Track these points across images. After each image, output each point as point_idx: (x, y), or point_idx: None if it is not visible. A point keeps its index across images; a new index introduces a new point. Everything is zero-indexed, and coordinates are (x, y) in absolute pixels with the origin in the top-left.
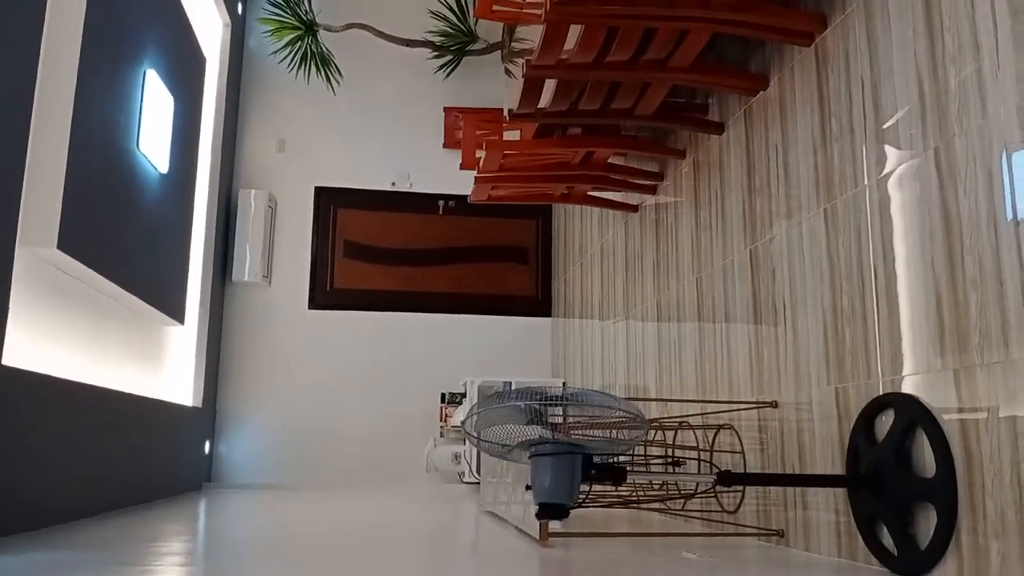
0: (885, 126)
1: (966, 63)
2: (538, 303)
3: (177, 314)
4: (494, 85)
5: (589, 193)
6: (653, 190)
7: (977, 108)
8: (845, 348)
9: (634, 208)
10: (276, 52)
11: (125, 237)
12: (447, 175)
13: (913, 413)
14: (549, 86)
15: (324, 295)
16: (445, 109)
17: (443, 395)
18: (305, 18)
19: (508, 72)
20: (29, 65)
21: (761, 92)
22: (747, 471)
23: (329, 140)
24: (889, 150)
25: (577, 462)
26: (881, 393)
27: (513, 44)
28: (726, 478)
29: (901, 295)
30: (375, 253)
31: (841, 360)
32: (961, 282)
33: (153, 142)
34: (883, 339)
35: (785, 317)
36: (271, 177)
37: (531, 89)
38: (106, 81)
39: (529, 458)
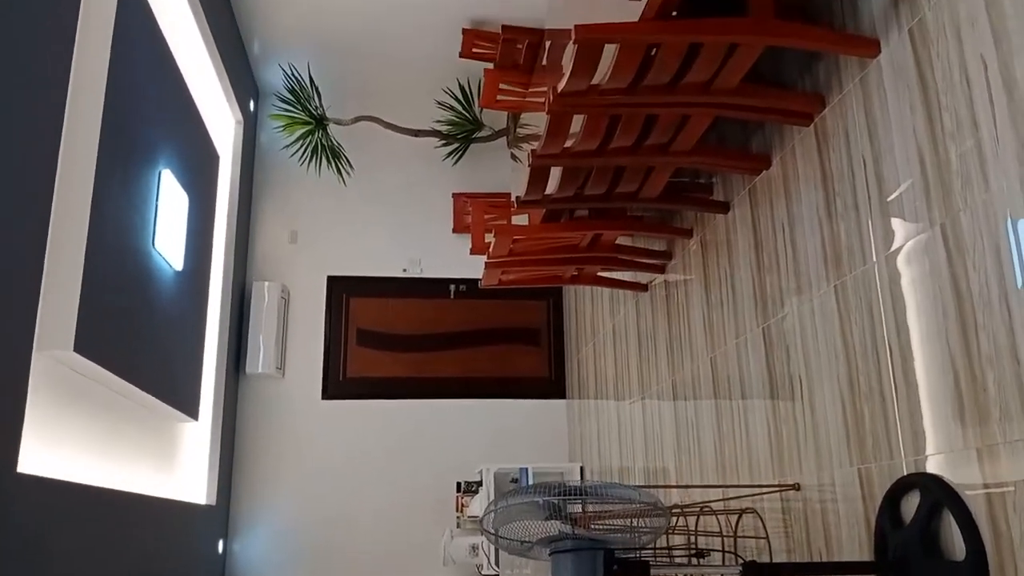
0: (889, 200)
1: (965, 139)
2: (552, 384)
3: (191, 410)
4: (501, 169)
5: (599, 274)
6: (662, 269)
7: (980, 183)
8: (865, 427)
9: (644, 287)
10: (287, 147)
11: (141, 336)
12: (457, 259)
13: (938, 494)
14: (555, 173)
15: (337, 385)
16: (454, 195)
17: (459, 484)
18: (315, 113)
19: (514, 157)
20: (48, 169)
21: (764, 171)
22: (772, 559)
23: (340, 230)
24: (895, 226)
25: (599, 558)
26: (905, 473)
27: (518, 130)
28: (752, 570)
29: (918, 373)
30: (387, 340)
31: (862, 440)
32: (977, 359)
33: (168, 240)
34: (903, 418)
35: (802, 396)
36: (284, 268)
37: (537, 177)
38: (122, 183)
39: (549, 555)
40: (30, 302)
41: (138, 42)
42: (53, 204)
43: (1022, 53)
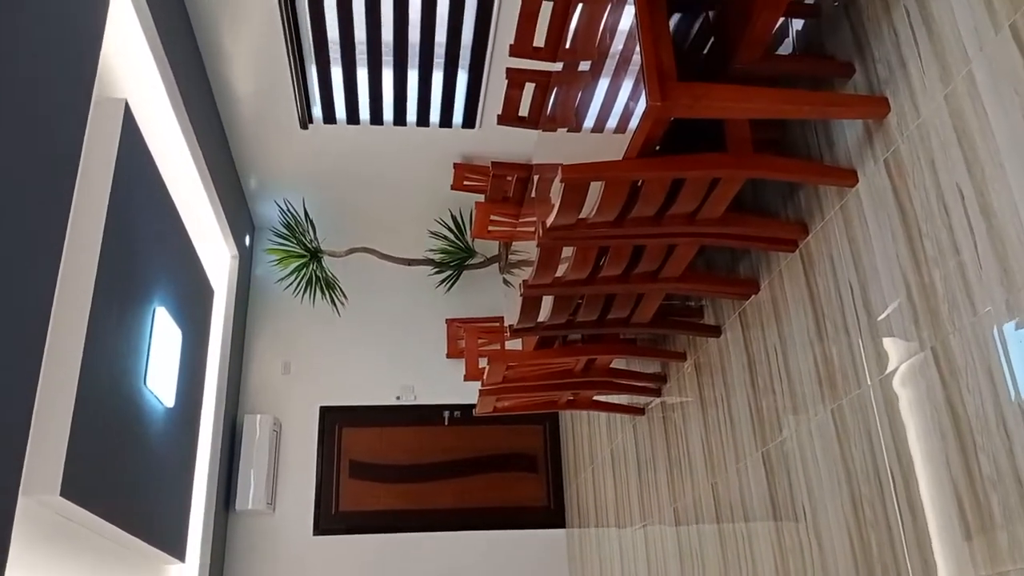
0: (878, 324)
1: (948, 265)
2: (551, 513)
3: (178, 552)
4: (494, 295)
5: (595, 399)
6: (658, 392)
7: (967, 307)
8: (873, 556)
9: (641, 411)
10: (282, 279)
11: (129, 477)
12: (451, 385)
13: None
14: (547, 301)
15: (329, 519)
16: (447, 321)
17: None
18: (310, 246)
19: (506, 282)
20: (43, 309)
21: (753, 296)
22: None
23: (334, 359)
24: (886, 350)
25: None
26: None
27: (510, 256)
28: None
29: (923, 498)
30: (381, 471)
31: (871, 569)
32: (980, 483)
33: (160, 378)
34: (911, 546)
35: (808, 524)
36: (276, 400)
37: (530, 306)
38: (117, 322)
39: None
40: (18, 445)
41: (137, 181)
42: (46, 344)
43: (995, 181)
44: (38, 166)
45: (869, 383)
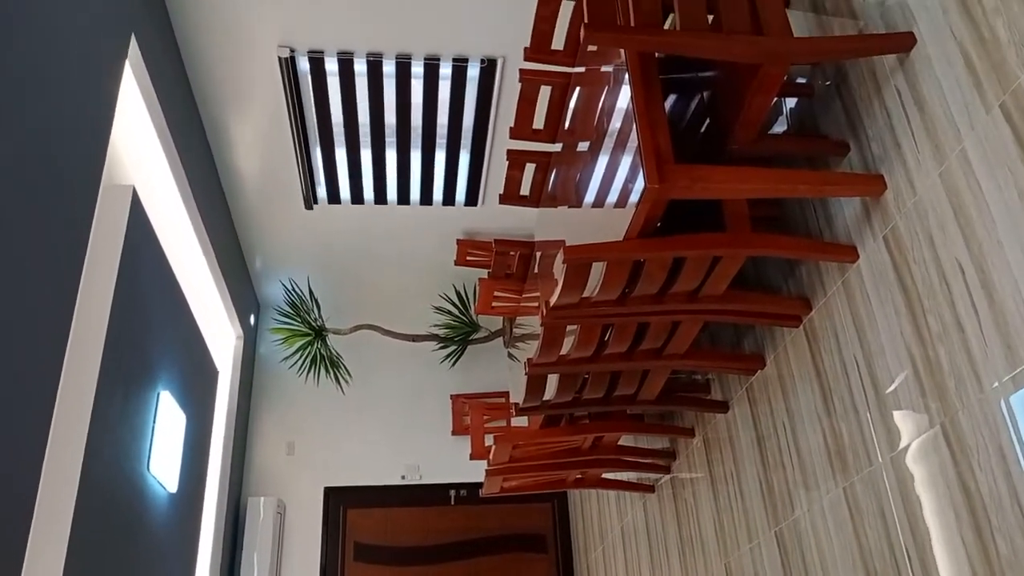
0: (886, 401)
1: (953, 341)
2: None
3: None
4: (499, 369)
5: (603, 476)
6: (668, 469)
7: (974, 384)
8: None
9: (651, 488)
10: (287, 358)
11: (131, 565)
12: (457, 463)
13: None
14: (552, 380)
15: None
16: (452, 397)
17: None
18: (315, 325)
19: (511, 356)
20: (47, 396)
21: (759, 371)
22: None
23: (338, 439)
24: (895, 427)
25: None
26: None
27: (514, 330)
28: None
29: None
30: (386, 553)
31: None
32: (997, 563)
33: (164, 463)
34: None
35: None
36: (280, 481)
37: (535, 385)
38: (120, 408)
39: None
40: (20, 533)
41: (143, 266)
42: (51, 431)
43: (994, 257)
44: (45, 252)
45: (880, 461)
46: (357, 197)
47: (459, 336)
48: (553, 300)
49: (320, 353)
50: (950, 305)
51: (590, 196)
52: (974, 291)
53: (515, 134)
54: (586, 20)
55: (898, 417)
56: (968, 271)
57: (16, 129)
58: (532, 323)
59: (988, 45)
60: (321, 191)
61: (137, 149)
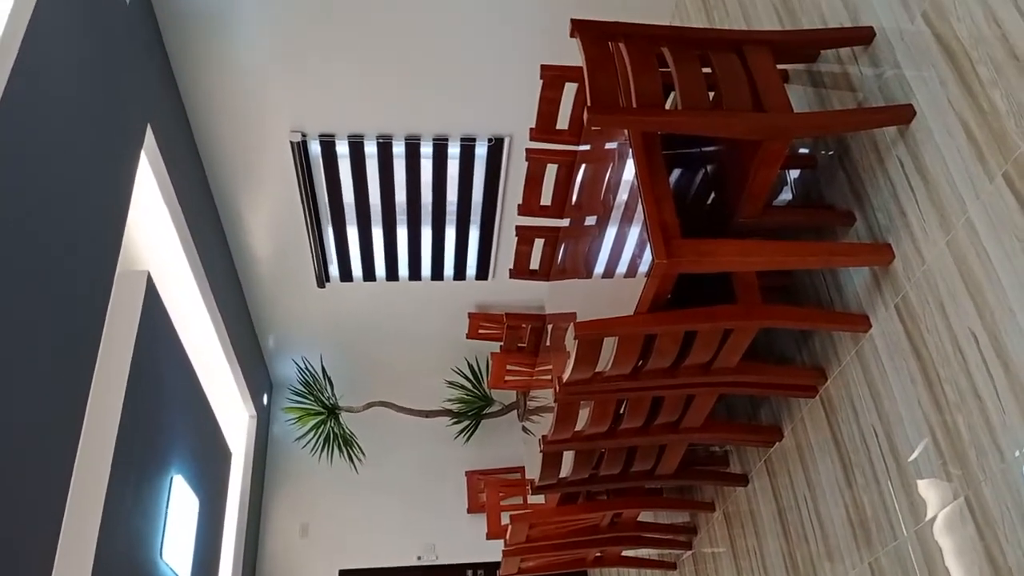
0: (907, 473)
1: (971, 409)
2: None
3: None
4: (514, 444)
5: (623, 554)
6: (689, 544)
7: (995, 453)
8: None
9: (673, 565)
10: (300, 438)
11: None
12: (474, 542)
13: None
14: (568, 456)
15: None
16: (467, 473)
17: None
18: (328, 403)
19: (526, 430)
20: (62, 483)
21: (777, 443)
22: None
23: (353, 519)
24: (919, 498)
25: None
26: None
27: (528, 403)
28: None
29: None
30: None
31: None
32: None
33: (177, 549)
34: None
35: None
36: (294, 565)
37: (551, 462)
38: (134, 494)
39: None
40: None
41: (158, 350)
42: (64, 518)
43: (1007, 325)
44: (61, 337)
45: (905, 534)
46: (369, 274)
47: (473, 411)
48: (566, 376)
49: (333, 432)
50: (966, 373)
51: (599, 269)
52: (989, 359)
53: (523, 210)
54: (589, 102)
55: (921, 488)
56: (982, 339)
57: (34, 217)
58: (546, 396)
59: (987, 116)
60: (333, 269)
61: (152, 234)
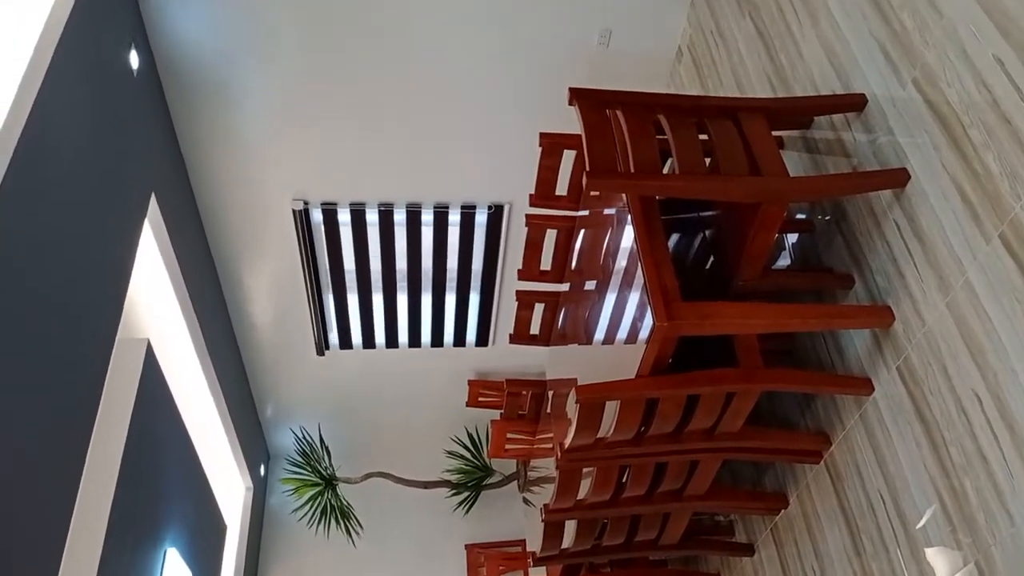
0: (916, 539)
1: (978, 473)
2: None
3: None
4: (514, 516)
5: None
6: None
7: (1004, 518)
8: None
9: None
10: (296, 510)
11: None
12: None
13: None
14: (570, 526)
15: None
16: (467, 546)
17: None
18: (325, 474)
19: (526, 501)
20: (54, 556)
21: (783, 510)
22: None
23: None
24: (929, 566)
25: None
26: None
27: (529, 473)
28: None
29: None
30: None
31: None
32: None
33: None
34: None
35: None
36: None
37: (552, 531)
38: (126, 568)
39: None
40: None
41: (155, 420)
42: None
43: (1010, 387)
44: (59, 403)
45: None
46: (368, 342)
47: (472, 481)
48: (567, 441)
49: (331, 503)
50: (971, 435)
51: (600, 334)
52: (993, 421)
53: (523, 275)
54: (588, 167)
55: (931, 555)
56: (985, 401)
57: (36, 283)
58: (547, 466)
59: (981, 178)
60: (333, 337)
61: (153, 301)
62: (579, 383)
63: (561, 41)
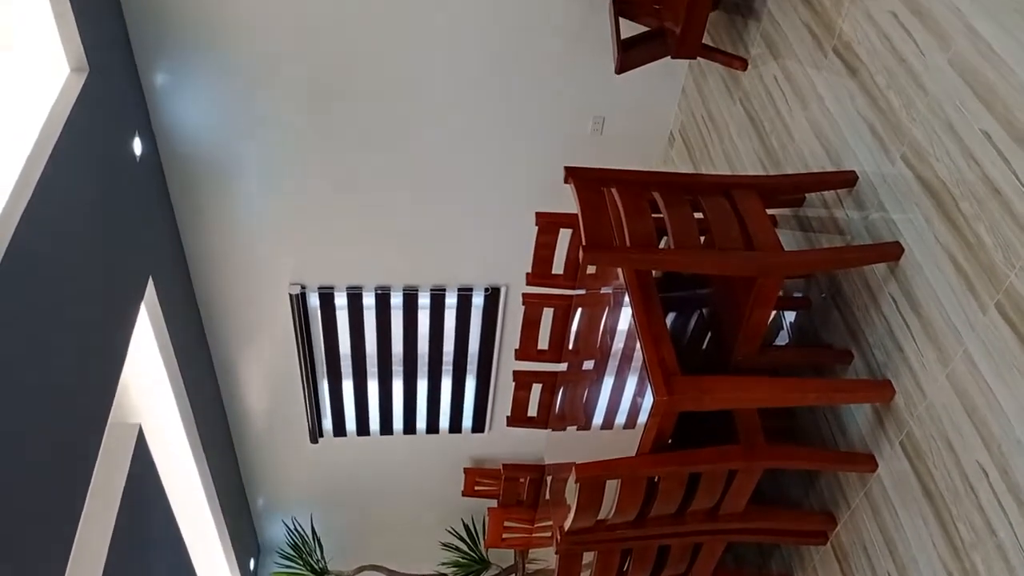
0: None
1: (988, 549)
2: None
3: None
4: None
5: None
6: None
7: None
8: None
9: None
10: None
11: None
12: None
13: None
14: None
15: None
16: None
17: None
18: (318, 567)
19: None
20: None
21: None
22: None
23: None
24: None
25: None
26: None
27: (527, 564)
28: None
29: None
30: None
31: None
32: None
33: None
34: None
35: None
36: None
37: None
38: None
39: None
40: None
41: (144, 507)
42: None
43: (1016, 457)
44: (46, 489)
45: None
46: (363, 429)
47: (469, 574)
48: (568, 524)
49: None
50: (979, 510)
51: (599, 417)
52: (1001, 494)
53: (520, 355)
54: (584, 240)
55: None
56: (991, 473)
57: (31, 364)
58: (546, 556)
59: (974, 249)
60: (327, 424)
61: (147, 385)
62: (578, 463)
63: (556, 128)
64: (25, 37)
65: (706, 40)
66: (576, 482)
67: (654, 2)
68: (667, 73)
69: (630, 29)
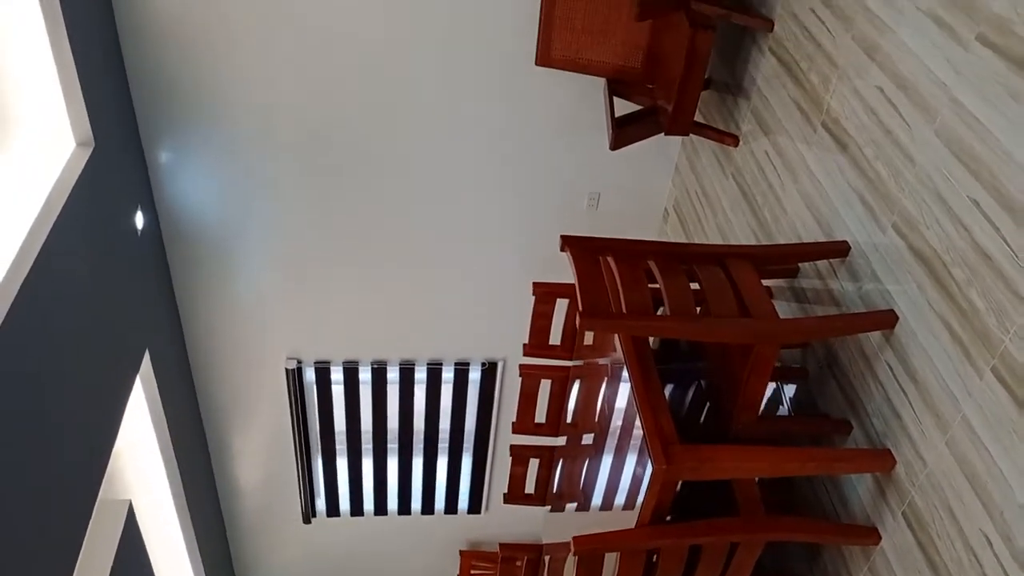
0: None
1: None
2: None
3: None
4: None
5: None
6: None
7: None
8: None
9: None
10: None
11: None
12: None
13: None
14: None
15: None
16: None
17: None
18: None
19: None
20: None
21: None
22: None
23: None
24: None
25: None
26: None
27: None
28: None
29: None
30: None
31: None
32: None
33: None
34: None
35: None
36: None
37: None
38: None
39: None
40: None
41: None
42: None
43: (1018, 524)
44: (34, 565)
45: None
46: (357, 509)
47: None
48: None
49: None
50: None
51: (597, 496)
52: (1005, 562)
53: (517, 428)
54: (580, 308)
55: None
56: (995, 542)
57: (21, 438)
58: None
59: (968, 314)
60: (320, 503)
61: (138, 458)
62: (576, 536)
63: (553, 204)
64: (32, 110)
65: (698, 118)
66: (574, 554)
67: (647, 82)
68: (661, 150)
69: (624, 108)
